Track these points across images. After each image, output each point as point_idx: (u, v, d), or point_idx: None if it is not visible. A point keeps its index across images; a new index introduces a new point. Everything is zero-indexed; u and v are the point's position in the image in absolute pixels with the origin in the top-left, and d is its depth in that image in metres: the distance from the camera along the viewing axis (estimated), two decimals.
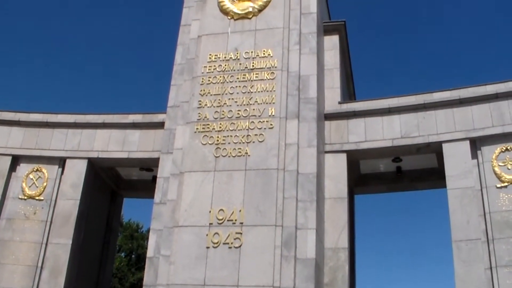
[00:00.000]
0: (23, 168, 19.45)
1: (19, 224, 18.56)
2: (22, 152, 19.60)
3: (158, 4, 78.17)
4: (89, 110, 20.88)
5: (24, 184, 19.11)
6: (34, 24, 73.27)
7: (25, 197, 18.93)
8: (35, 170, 19.35)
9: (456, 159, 16.35)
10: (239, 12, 18.00)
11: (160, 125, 18.25)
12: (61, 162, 19.34)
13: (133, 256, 47.67)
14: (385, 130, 17.34)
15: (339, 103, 18.33)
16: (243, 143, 15.89)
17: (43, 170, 19.28)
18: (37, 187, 19.03)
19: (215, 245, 14.77)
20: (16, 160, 19.59)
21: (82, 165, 19.13)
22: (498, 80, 17.12)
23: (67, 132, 19.66)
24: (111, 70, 78.47)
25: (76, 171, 19.08)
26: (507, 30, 67.32)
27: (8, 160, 19.45)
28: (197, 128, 16.43)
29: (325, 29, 19.39)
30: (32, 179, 19.22)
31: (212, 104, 16.68)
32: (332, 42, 19.41)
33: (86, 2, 73.24)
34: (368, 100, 18.30)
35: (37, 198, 18.86)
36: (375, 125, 17.50)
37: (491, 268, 14.97)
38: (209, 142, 16.16)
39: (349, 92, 22.33)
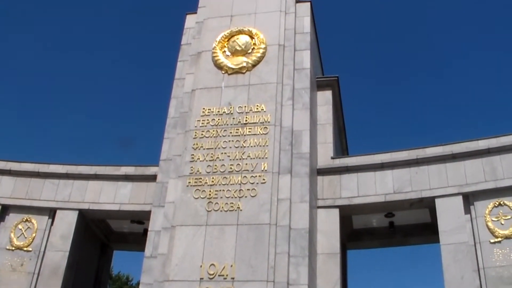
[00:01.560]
0: (12, 218, 19.17)
1: (5, 276, 18.14)
2: (12, 202, 19.38)
3: (152, 57, 79.15)
4: (81, 161, 20.78)
5: (12, 235, 18.79)
6: (27, 72, 73.55)
7: (13, 248, 18.57)
8: (24, 220, 19.05)
9: (449, 214, 16.32)
10: (233, 66, 18.20)
11: (152, 178, 18.19)
12: (51, 213, 19.11)
13: None
14: (377, 185, 17.37)
15: (332, 158, 18.40)
16: (236, 197, 15.82)
17: (33, 220, 19.00)
18: (25, 237, 18.71)
19: None
20: (5, 210, 19.33)
21: (73, 217, 18.89)
22: (490, 135, 17.30)
23: (59, 183, 19.51)
24: (104, 122, 78.51)
25: (66, 223, 18.81)
26: (498, 85, 68.34)
27: None
28: (189, 182, 16.37)
29: (318, 85, 19.64)
30: (20, 229, 18.91)
31: (205, 158, 16.68)
32: (325, 97, 19.65)
33: (81, 53, 73.83)
34: (360, 156, 18.42)
35: (25, 249, 18.50)
36: (367, 180, 17.52)
37: None
38: (201, 196, 16.07)
39: (341, 147, 22.44)
